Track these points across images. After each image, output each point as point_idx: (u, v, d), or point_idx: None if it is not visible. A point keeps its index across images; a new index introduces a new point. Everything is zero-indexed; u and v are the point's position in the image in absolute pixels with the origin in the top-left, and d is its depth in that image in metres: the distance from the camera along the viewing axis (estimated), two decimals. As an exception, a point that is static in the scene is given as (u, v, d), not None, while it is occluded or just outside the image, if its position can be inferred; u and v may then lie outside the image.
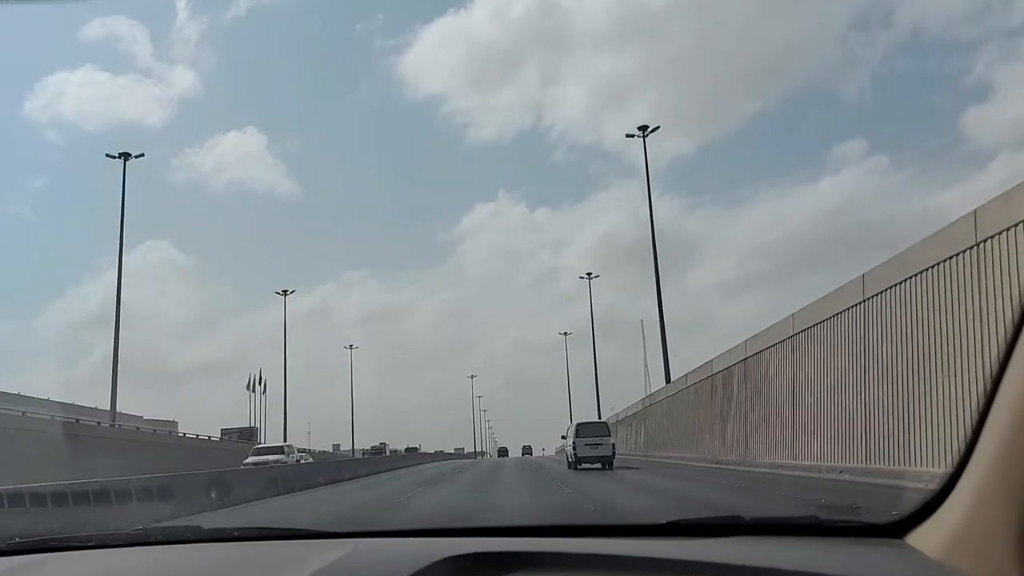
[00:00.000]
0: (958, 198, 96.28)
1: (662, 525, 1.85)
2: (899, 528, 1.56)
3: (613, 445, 28.97)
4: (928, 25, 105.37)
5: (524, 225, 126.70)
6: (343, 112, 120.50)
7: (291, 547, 2.13)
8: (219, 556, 2.08)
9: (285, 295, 65.29)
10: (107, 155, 42.18)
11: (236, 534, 2.27)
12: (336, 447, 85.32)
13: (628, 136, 46.27)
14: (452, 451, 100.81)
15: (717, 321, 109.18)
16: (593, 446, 28.34)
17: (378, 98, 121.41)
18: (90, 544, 2.21)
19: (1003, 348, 1.32)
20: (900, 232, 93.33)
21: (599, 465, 28.31)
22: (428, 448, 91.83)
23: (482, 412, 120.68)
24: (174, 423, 69.09)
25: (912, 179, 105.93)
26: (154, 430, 46.57)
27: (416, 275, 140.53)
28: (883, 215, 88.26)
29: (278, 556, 1.99)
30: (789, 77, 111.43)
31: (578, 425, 30.13)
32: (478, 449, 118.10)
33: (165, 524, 2.75)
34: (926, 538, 1.46)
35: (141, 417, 64.75)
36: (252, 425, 70.75)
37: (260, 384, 76.70)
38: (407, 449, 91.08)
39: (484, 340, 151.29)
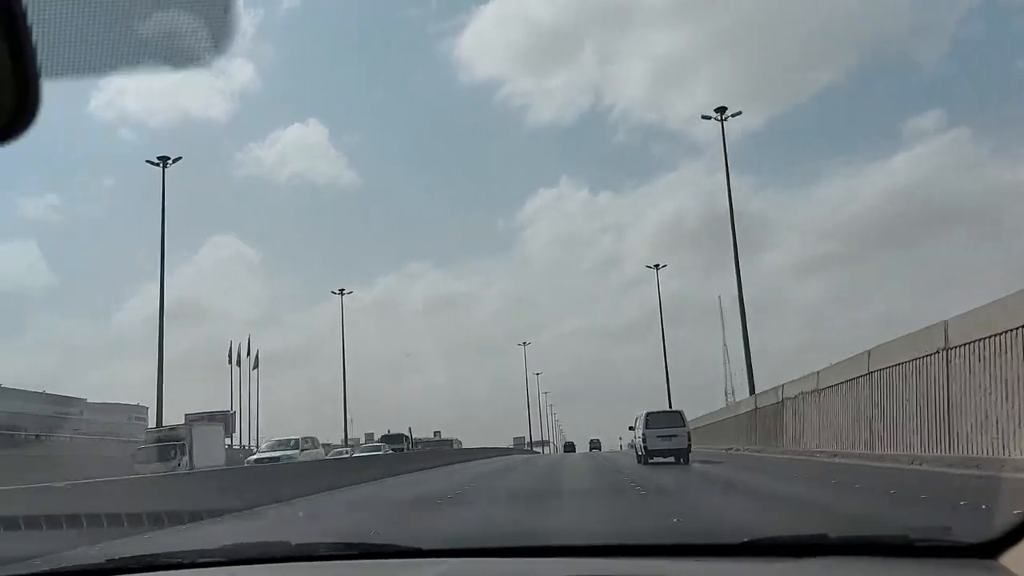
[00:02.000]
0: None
1: (739, 545, 1.74)
2: (992, 548, 1.49)
3: (689, 435, 26.63)
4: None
5: (587, 210, 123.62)
6: (401, 99, 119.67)
7: (379, 567, 2.17)
8: None
9: (162, 165, 39.51)
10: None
11: (324, 551, 2.34)
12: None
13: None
14: (511, 443, 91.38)
15: (791, 303, 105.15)
16: (666, 438, 26.06)
17: (435, 84, 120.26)
18: (178, 562, 2.29)
19: None
20: (984, 207, 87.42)
21: (672, 459, 25.96)
22: (495, 441, 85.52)
23: (543, 395, 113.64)
24: (142, 408, 55.53)
25: (995, 151, 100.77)
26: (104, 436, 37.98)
27: (479, 264, 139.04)
28: (965, 190, 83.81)
29: None
30: (859, 46, 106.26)
31: (648, 415, 27.51)
32: (536, 439, 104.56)
33: (253, 541, 2.85)
34: (1020, 559, 1.41)
35: (83, 400, 56.83)
36: (227, 409, 50.83)
37: (249, 356, 56.98)
38: (385, 438, 51.41)
39: (549, 328, 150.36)
